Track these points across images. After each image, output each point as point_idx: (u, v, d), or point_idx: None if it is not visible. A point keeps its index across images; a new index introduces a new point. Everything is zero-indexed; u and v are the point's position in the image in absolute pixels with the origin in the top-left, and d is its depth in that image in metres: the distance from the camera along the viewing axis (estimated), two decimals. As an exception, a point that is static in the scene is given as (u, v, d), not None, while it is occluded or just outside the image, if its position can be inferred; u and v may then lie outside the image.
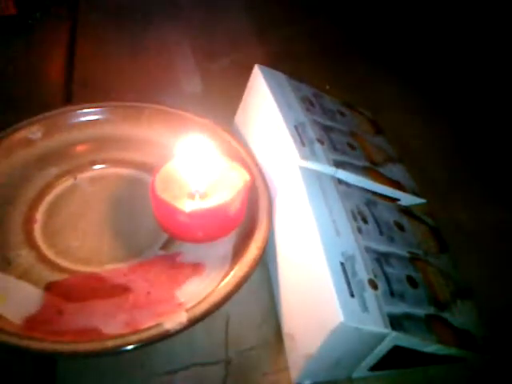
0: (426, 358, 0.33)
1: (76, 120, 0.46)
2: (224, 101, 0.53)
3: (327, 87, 0.58)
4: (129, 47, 0.62)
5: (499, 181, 0.50)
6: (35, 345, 0.30)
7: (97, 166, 0.45)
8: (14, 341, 0.30)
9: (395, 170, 0.46)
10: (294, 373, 0.34)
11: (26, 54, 0.60)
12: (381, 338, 0.30)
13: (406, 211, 0.42)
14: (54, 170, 0.43)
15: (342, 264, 0.31)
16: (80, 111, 0.46)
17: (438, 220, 0.44)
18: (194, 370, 0.34)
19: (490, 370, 0.35)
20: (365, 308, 0.30)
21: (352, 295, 0.30)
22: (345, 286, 0.30)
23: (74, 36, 0.63)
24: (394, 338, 0.30)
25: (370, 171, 0.43)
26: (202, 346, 0.35)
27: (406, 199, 0.44)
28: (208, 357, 0.35)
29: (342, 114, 0.49)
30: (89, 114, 0.47)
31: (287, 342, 0.35)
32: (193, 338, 0.35)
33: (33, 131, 0.45)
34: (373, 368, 0.33)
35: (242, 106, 0.49)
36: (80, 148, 0.45)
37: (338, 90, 0.57)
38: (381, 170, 0.44)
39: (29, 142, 0.44)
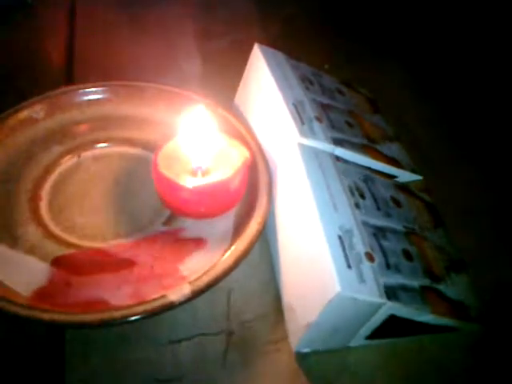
0: (421, 327, 0.34)
1: (78, 99, 0.47)
2: (224, 80, 0.53)
3: (326, 66, 0.58)
4: (128, 27, 0.62)
5: (494, 160, 0.51)
6: (45, 315, 0.31)
7: (100, 145, 0.45)
8: (24, 312, 0.31)
9: (392, 148, 0.47)
10: (294, 342, 0.35)
11: (26, 33, 0.60)
12: (377, 307, 0.31)
13: (403, 187, 0.43)
14: (57, 149, 0.44)
15: (339, 237, 0.33)
16: (82, 90, 0.47)
17: (434, 196, 0.45)
18: (196, 340, 0.35)
19: (483, 340, 0.37)
20: (361, 279, 0.31)
21: (349, 267, 0.31)
22: (342, 258, 0.31)
23: (74, 15, 0.63)
24: (389, 307, 0.31)
25: (368, 149, 0.44)
26: (205, 317, 0.36)
27: (403, 176, 0.45)
28: (211, 327, 0.36)
29: (340, 92, 0.50)
30: (91, 94, 0.47)
31: (287, 313, 0.37)
32: (196, 309, 0.36)
33: (36, 110, 0.45)
34: (369, 337, 0.35)
35: (241, 85, 0.50)
36: (83, 127, 0.46)
37: (337, 70, 0.57)
38: (378, 147, 0.45)
39: (32, 121, 0.45)
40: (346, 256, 0.32)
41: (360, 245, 0.33)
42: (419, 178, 0.46)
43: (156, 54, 0.59)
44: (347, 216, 0.35)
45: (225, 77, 0.54)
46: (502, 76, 0.59)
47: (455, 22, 0.67)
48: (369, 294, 0.30)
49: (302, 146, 0.38)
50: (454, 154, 0.51)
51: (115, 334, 0.35)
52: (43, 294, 0.34)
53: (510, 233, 0.45)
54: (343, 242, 0.32)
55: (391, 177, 0.44)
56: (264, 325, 0.37)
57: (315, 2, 0.71)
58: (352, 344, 0.36)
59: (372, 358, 0.35)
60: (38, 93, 0.47)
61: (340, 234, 0.33)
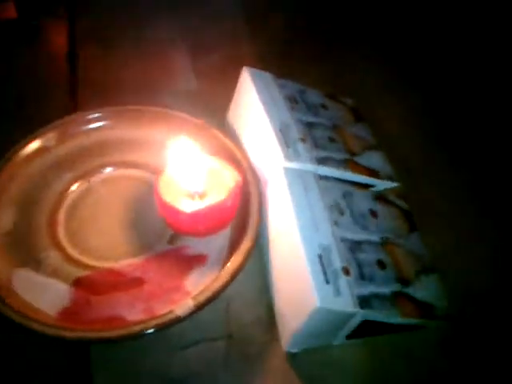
0: (393, 327, 0.40)
1: (85, 126, 0.51)
2: (217, 97, 0.57)
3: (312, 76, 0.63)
4: (127, 44, 0.66)
5: (473, 163, 0.56)
6: (71, 334, 0.37)
7: (107, 169, 0.50)
8: (52, 331, 0.37)
9: (372, 157, 0.51)
10: (284, 343, 0.41)
11: (30, 56, 0.64)
12: (351, 315, 0.37)
13: (380, 197, 0.48)
14: (68, 175, 0.49)
15: (319, 256, 0.38)
16: (87, 117, 0.52)
17: (411, 201, 0.49)
18: (202, 345, 0.41)
19: (450, 336, 0.42)
20: (338, 293, 0.36)
21: (327, 282, 0.36)
22: (321, 275, 0.37)
23: (74, 35, 0.67)
24: (362, 314, 0.37)
25: (349, 162, 0.48)
26: (208, 323, 0.42)
27: (381, 185, 0.50)
28: (213, 333, 0.42)
29: (324, 107, 0.54)
30: (95, 120, 0.52)
31: (278, 318, 0.42)
32: (200, 317, 0.42)
33: (48, 139, 0.50)
34: (349, 336, 0.40)
35: (233, 103, 0.54)
36: (90, 152, 0.51)
37: (323, 78, 0.61)
38: (358, 159, 0.50)
39: (45, 150, 0.50)
40: (324, 273, 0.37)
41: (337, 261, 0.38)
42: (396, 184, 0.50)
43: (152, 71, 0.63)
44: (326, 234, 0.40)
45: (217, 93, 0.59)
46: (485, 77, 0.63)
47: (440, 20, 0.71)
48: (344, 305, 0.36)
49: (287, 169, 0.43)
50: (433, 159, 0.56)
51: (133, 343, 0.40)
52: (67, 313, 0.40)
53: (483, 234, 0.50)
54: (322, 259, 0.38)
55: (371, 186, 0.49)
56: (259, 328, 0.42)
57: (299, 11, 0.74)
58: (335, 342, 0.41)
59: (352, 354, 0.41)
60: (46, 119, 0.51)
61: (319, 252, 0.38)
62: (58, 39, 0.67)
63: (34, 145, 0.49)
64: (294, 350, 0.41)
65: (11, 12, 0.67)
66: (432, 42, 0.69)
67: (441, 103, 0.61)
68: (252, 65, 0.64)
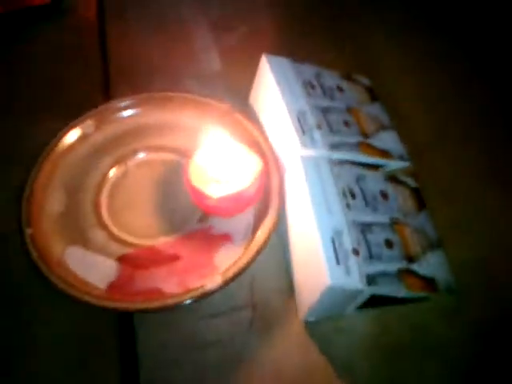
0: (400, 299, 0.45)
1: (118, 113, 0.56)
2: (241, 76, 0.60)
3: (331, 54, 0.65)
4: (153, 26, 0.69)
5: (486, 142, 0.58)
6: (119, 305, 0.43)
7: (141, 153, 0.55)
8: (103, 303, 0.44)
9: (385, 138, 0.55)
10: (302, 312, 0.47)
11: (61, 40, 0.68)
12: (360, 292, 0.42)
13: (391, 177, 0.52)
14: (107, 160, 0.54)
15: (331, 238, 0.43)
16: (121, 105, 0.56)
17: (420, 179, 0.53)
18: (230, 314, 0.47)
19: (453, 307, 0.47)
20: (348, 272, 0.41)
21: (338, 263, 0.42)
22: (333, 256, 0.42)
23: (104, 19, 0.70)
24: (369, 291, 0.42)
25: (362, 145, 0.52)
26: (235, 294, 0.48)
27: (393, 165, 0.53)
28: (239, 304, 0.48)
29: (340, 89, 0.57)
30: (128, 107, 0.56)
31: (296, 291, 0.48)
32: (227, 289, 0.48)
33: (87, 126, 0.55)
34: (359, 307, 0.46)
35: (254, 89, 0.58)
36: (125, 138, 0.56)
37: (341, 56, 0.64)
38: (371, 141, 0.53)
39: (85, 136, 0.55)
40: (336, 254, 0.42)
41: (348, 242, 0.43)
42: (407, 164, 0.54)
43: (177, 53, 0.66)
44: (339, 217, 0.45)
45: (240, 72, 0.62)
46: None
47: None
48: (353, 283, 0.41)
49: (303, 157, 0.47)
50: (445, 135, 0.59)
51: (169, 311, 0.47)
52: (115, 287, 0.46)
53: (486, 209, 0.54)
54: (334, 242, 0.43)
55: (383, 166, 0.53)
56: (280, 299, 0.48)
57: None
58: (346, 312, 0.47)
59: (362, 322, 0.47)
60: (81, 105, 0.56)
61: (332, 235, 0.43)
62: (87, 21, 0.70)
63: (75, 132, 0.54)
64: (310, 319, 0.47)
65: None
66: (455, 19, 0.70)
67: (457, 80, 0.63)
68: (273, 41, 0.68)
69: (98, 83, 0.63)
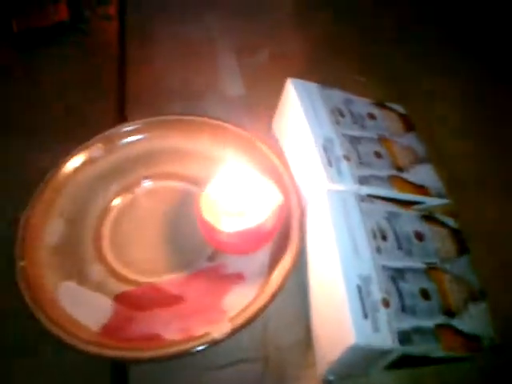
0: (437, 359, 0.38)
1: (131, 137, 0.52)
2: (265, 101, 0.55)
3: (362, 79, 0.60)
4: (176, 50, 0.66)
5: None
6: (110, 353, 0.38)
7: (150, 181, 0.51)
8: (92, 349, 0.38)
9: (421, 172, 0.49)
10: (321, 369, 0.40)
11: (79, 60, 0.65)
12: (389, 351, 0.36)
13: (428, 217, 0.46)
14: (114, 187, 0.50)
15: (358, 286, 0.37)
16: (134, 127, 0.52)
17: (461, 220, 0.47)
18: (237, 366, 0.41)
19: (497, 369, 0.40)
20: (376, 328, 0.35)
21: (365, 316, 0.35)
22: (359, 308, 0.36)
23: (124, 38, 0.67)
24: (400, 350, 0.36)
25: (395, 179, 0.46)
26: (245, 344, 0.42)
27: (430, 202, 0.47)
28: (249, 354, 0.42)
29: (372, 117, 0.52)
30: (141, 131, 0.52)
31: (315, 342, 0.42)
32: (237, 337, 0.42)
33: (95, 150, 0.51)
34: (387, 368, 0.39)
35: (277, 114, 0.53)
36: (135, 163, 0.51)
37: (372, 83, 0.59)
38: (406, 175, 0.48)
39: (92, 161, 0.51)
40: (362, 305, 0.36)
41: (377, 291, 0.37)
42: (446, 201, 0.48)
43: (199, 75, 0.62)
44: (367, 262, 0.39)
45: (264, 97, 0.57)
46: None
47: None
48: (382, 341, 0.35)
49: (329, 191, 0.42)
50: (486, 175, 0.53)
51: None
52: (109, 329, 0.41)
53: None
54: (361, 290, 0.37)
55: (418, 203, 0.47)
56: (296, 351, 0.42)
57: (352, 3, 0.71)
58: (372, 371, 0.40)
59: (390, 382, 0.40)
60: (94, 127, 0.52)
61: (359, 282, 0.37)
62: (107, 41, 0.68)
63: (82, 156, 0.50)
64: (330, 378, 0.40)
65: (63, 14, 0.67)
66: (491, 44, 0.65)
67: (497, 111, 0.58)
68: (300, 63, 0.63)
69: (113, 108, 0.60)
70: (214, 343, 0.38)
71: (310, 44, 0.67)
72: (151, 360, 0.38)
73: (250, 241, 0.44)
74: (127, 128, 0.52)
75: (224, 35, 0.67)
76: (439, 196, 0.48)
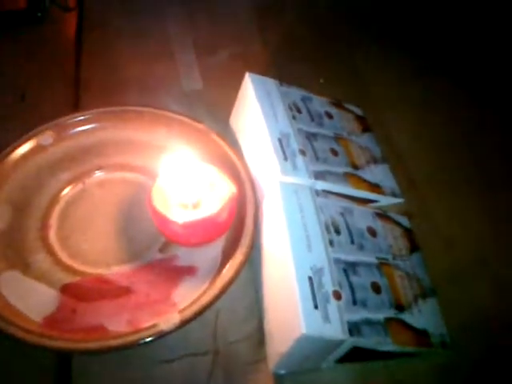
0: (387, 353, 0.38)
1: (83, 127, 0.50)
2: (223, 97, 0.55)
3: (321, 81, 0.61)
4: (135, 41, 0.64)
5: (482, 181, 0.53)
6: (51, 343, 0.36)
7: (103, 171, 0.49)
8: (34, 340, 0.36)
9: (376, 171, 0.50)
10: (272, 363, 0.40)
11: (36, 49, 0.63)
12: (340, 342, 0.35)
13: (381, 214, 0.46)
14: (64, 176, 0.48)
15: (309, 278, 0.36)
16: (85, 117, 0.50)
17: (414, 219, 0.47)
18: (187, 360, 0.40)
19: (447, 365, 0.41)
20: (326, 318, 0.35)
21: (316, 307, 0.35)
22: (310, 299, 0.35)
23: (81, 28, 0.66)
24: (351, 342, 0.35)
25: (350, 177, 0.47)
26: (194, 337, 0.41)
27: (384, 200, 0.48)
28: (199, 347, 0.41)
29: (329, 116, 0.52)
30: (94, 120, 0.50)
31: (267, 336, 0.41)
32: (186, 330, 0.41)
33: (45, 137, 0.49)
34: (338, 361, 0.39)
35: (235, 109, 0.53)
36: (87, 153, 0.50)
37: (331, 84, 0.60)
38: (361, 173, 0.48)
39: (41, 149, 0.49)
40: (313, 296, 0.36)
41: (329, 284, 0.37)
42: (400, 200, 0.49)
43: (157, 69, 0.61)
44: (320, 255, 0.38)
45: (223, 93, 0.57)
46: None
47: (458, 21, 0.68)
48: (332, 332, 0.35)
49: (282, 183, 0.42)
50: (440, 174, 0.54)
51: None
52: (52, 321, 0.39)
53: (486, 255, 0.48)
54: (313, 282, 0.36)
55: (373, 201, 0.48)
56: (247, 346, 0.41)
57: (314, 9, 0.72)
58: (323, 366, 0.40)
59: (342, 379, 0.40)
60: (46, 114, 0.50)
61: (310, 274, 0.37)
62: (65, 31, 0.66)
63: (31, 143, 0.48)
64: (281, 371, 0.40)
65: (20, 2, 0.66)
66: (449, 45, 0.67)
67: (455, 114, 0.59)
68: (260, 64, 0.63)
69: (68, 98, 0.58)
70: (162, 335, 0.37)
71: (270, 46, 0.67)
72: (95, 352, 0.36)
73: (202, 232, 0.43)
74: (79, 117, 0.50)
75: (185, 31, 0.67)
76: (393, 195, 0.48)
